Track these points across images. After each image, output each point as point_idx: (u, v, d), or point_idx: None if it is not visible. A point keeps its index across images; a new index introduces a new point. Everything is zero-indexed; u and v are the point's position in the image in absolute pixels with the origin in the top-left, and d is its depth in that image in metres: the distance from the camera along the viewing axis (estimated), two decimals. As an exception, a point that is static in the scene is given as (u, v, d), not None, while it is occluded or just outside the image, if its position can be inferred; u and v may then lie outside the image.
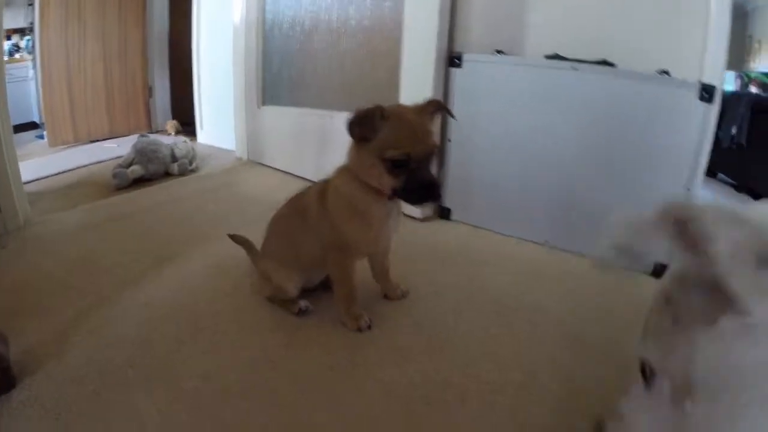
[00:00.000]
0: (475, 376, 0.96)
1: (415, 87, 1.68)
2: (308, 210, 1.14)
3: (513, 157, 1.60)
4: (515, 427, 0.84)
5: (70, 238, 1.61)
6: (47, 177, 2.39)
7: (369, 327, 1.15)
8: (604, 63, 1.53)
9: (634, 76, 1.44)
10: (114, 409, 0.85)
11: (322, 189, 1.13)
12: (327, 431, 0.83)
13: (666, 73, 1.47)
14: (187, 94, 3.26)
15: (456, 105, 1.65)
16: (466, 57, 1.62)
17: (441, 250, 1.54)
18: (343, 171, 1.08)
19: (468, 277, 1.37)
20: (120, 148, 3.02)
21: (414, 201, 1.01)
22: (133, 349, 1.02)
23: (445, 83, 1.67)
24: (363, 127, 0.96)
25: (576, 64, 1.50)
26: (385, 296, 1.28)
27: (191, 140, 2.82)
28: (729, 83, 5.04)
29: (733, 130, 3.66)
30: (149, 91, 3.66)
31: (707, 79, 1.37)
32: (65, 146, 3.17)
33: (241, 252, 1.35)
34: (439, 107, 1.07)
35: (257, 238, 1.29)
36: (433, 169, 1.01)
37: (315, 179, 2.04)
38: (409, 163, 0.95)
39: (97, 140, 3.35)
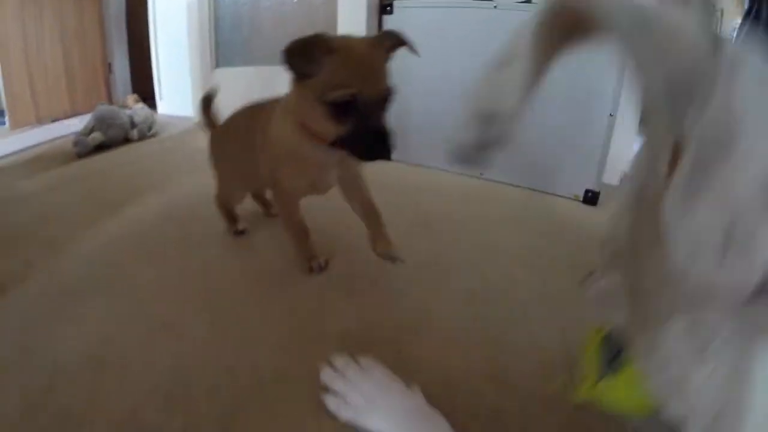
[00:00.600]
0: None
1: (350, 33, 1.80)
2: (254, 133, 1.08)
3: (446, 97, 1.74)
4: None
5: (31, 199, 1.72)
6: (7, 156, 2.46)
7: (321, 268, 1.10)
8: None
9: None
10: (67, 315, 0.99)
11: (268, 118, 1.04)
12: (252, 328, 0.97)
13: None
14: (146, 68, 3.34)
15: (390, 49, 1.78)
16: (396, 3, 1.74)
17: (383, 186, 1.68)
18: (283, 111, 0.98)
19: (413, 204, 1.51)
20: (81, 123, 3.10)
21: (361, 154, 0.86)
22: (92, 267, 1.16)
23: (378, 30, 1.79)
24: (301, 59, 0.83)
25: (497, 2, 1.63)
26: (374, 250, 1.10)
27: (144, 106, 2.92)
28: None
29: None
30: (108, 67, 3.72)
31: None
32: (27, 127, 3.23)
33: (190, 198, 1.49)
34: (397, 42, 0.93)
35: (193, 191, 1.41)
36: (387, 118, 0.85)
37: None
38: (356, 106, 0.81)
39: (59, 119, 3.40)
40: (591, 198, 1.66)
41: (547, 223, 1.50)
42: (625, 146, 1.66)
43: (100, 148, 2.33)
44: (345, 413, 0.72)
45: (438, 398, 0.73)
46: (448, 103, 1.73)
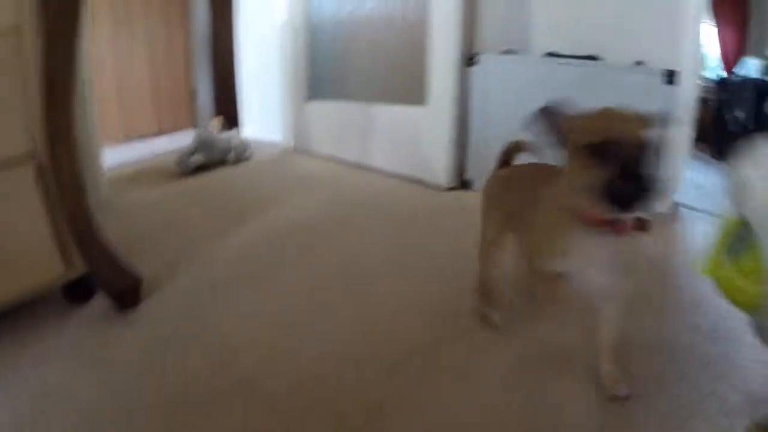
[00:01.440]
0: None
1: (440, 80, 2.14)
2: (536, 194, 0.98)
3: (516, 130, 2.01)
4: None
5: (152, 209, 2.07)
6: (114, 167, 2.81)
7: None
8: (591, 57, 1.95)
9: (613, 67, 1.85)
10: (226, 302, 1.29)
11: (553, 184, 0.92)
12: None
13: (641, 63, 1.89)
14: (229, 93, 3.72)
15: (474, 95, 2.11)
16: (480, 58, 2.04)
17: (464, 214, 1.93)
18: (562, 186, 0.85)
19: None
20: (172, 142, 3.48)
21: (620, 202, 0.74)
22: (233, 267, 1.46)
23: (463, 79, 2.10)
24: (547, 120, 0.85)
25: (567, 60, 1.91)
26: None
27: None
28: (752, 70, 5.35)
29: (740, 115, 3.95)
30: (193, 93, 4.12)
31: (675, 67, 1.78)
32: (115, 143, 3.60)
33: (301, 214, 1.80)
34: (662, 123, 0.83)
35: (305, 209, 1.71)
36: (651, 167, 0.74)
37: (358, 162, 2.50)
38: (613, 150, 0.74)
39: (145, 137, 3.78)
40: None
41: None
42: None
43: (200, 168, 2.67)
44: None
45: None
46: (512, 120, 2.00)
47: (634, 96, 1.83)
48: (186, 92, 4.14)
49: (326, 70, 2.78)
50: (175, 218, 1.93)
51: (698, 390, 0.93)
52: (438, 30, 2.12)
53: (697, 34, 1.95)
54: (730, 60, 6.64)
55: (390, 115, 2.42)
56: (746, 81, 4.12)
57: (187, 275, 1.44)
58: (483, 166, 2.21)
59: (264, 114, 3.47)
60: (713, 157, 4.62)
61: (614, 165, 0.73)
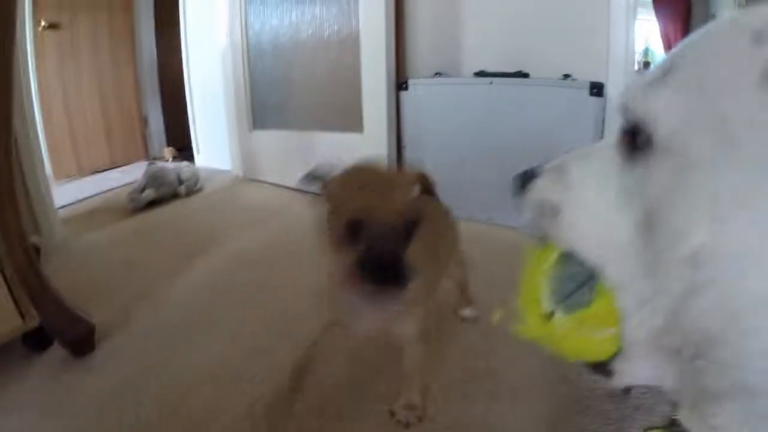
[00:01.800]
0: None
1: (373, 107, 2.27)
2: None
3: (452, 154, 2.15)
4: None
5: (105, 250, 2.14)
6: (65, 206, 2.84)
7: None
8: (520, 74, 2.09)
9: (540, 83, 2.00)
10: (177, 346, 1.38)
11: None
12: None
13: (568, 76, 2.03)
14: (179, 121, 3.80)
15: (407, 118, 2.25)
16: (410, 82, 2.20)
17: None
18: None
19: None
20: (125, 175, 3.53)
21: (367, 280, 0.77)
22: (186, 310, 1.55)
23: (396, 103, 2.23)
24: (312, 185, 0.88)
25: (493, 79, 2.06)
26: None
27: (190, 164, 3.36)
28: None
29: None
30: (144, 121, 4.17)
31: (602, 78, 1.94)
32: (69, 179, 3.63)
33: (253, 248, 1.88)
34: (425, 185, 0.93)
35: (255, 242, 1.80)
36: (402, 248, 0.78)
37: (303, 188, 2.60)
38: (361, 229, 0.77)
39: (99, 171, 3.82)
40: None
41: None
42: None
43: (152, 203, 2.74)
44: None
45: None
46: (456, 156, 2.15)
47: (562, 110, 1.98)
48: (137, 123, 4.19)
49: (269, 99, 2.88)
50: (129, 258, 2.00)
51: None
52: (368, 59, 2.25)
53: (627, 43, 2.10)
54: None
55: (331, 142, 2.54)
56: None
57: (141, 319, 1.51)
58: None
59: (214, 142, 3.55)
60: None
61: (363, 244, 0.77)
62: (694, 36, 0.34)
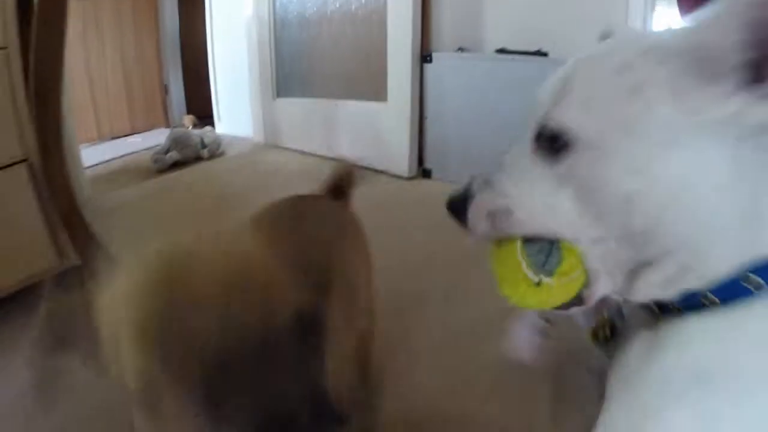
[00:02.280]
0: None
1: (398, 78, 2.35)
2: None
3: (471, 128, 2.23)
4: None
5: (134, 205, 2.24)
6: (90, 167, 2.94)
7: None
8: (539, 53, 2.16)
9: (555, 62, 2.05)
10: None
11: None
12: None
13: None
14: (200, 90, 3.91)
15: (430, 91, 2.33)
16: (435, 55, 2.27)
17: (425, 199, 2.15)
18: None
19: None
20: (146, 140, 3.63)
21: None
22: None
23: (420, 75, 2.31)
24: None
25: (514, 56, 2.13)
26: None
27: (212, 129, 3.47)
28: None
29: None
30: (165, 89, 4.26)
31: None
32: (90, 143, 3.73)
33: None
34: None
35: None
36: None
37: (326, 155, 2.70)
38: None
39: (119, 137, 3.94)
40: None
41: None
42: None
43: (175, 165, 2.84)
44: None
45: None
46: (476, 130, 2.23)
47: None
48: (158, 91, 4.29)
49: (293, 68, 2.98)
50: (157, 213, 2.11)
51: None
52: (394, 31, 2.32)
53: (644, 26, 2.17)
54: None
55: (354, 110, 2.63)
56: None
57: None
58: (441, 156, 2.47)
59: (236, 110, 3.65)
60: None
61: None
62: (580, 60, 0.51)
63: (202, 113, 4.00)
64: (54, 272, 1.40)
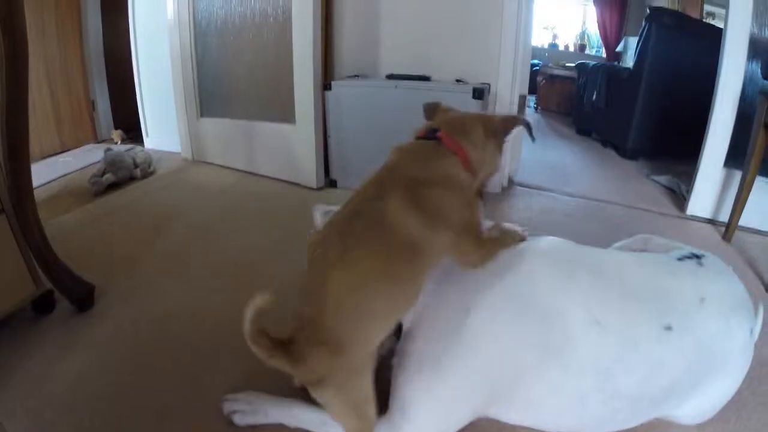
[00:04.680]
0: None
1: (303, 104, 2.94)
2: None
3: (370, 140, 2.85)
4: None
5: (81, 229, 2.57)
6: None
7: None
8: (422, 77, 2.74)
9: (437, 86, 2.64)
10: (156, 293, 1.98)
11: None
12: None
13: (460, 81, 2.68)
14: (126, 104, 4.28)
15: (331, 115, 2.89)
16: (333, 84, 2.82)
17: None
18: None
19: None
20: (77, 160, 3.97)
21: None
22: (156, 269, 2.14)
23: (323, 101, 2.88)
24: None
25: (398, 82, 2.73)
26: None
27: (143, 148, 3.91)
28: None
29: (594, 96, 4.84)
30: (92, 104, 4.57)
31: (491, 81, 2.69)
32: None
33: (209, 218, 2.49)
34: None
35: (203, 212, 2.40)
36: None
37: (247, 170, 3.28)
38: None
39: (49, 155, 4.15)
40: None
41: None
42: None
43: (111, 186, 3.25)
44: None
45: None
46: (371, 143, 2.80)
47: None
48: (85, 105, 4.53)
49: (214, 91, 3.54)
50: (104, 234, 2.48)
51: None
52: (299, 65, 2.90)
53: (516, 51, 2.82)
54: (610, 39, 7.74)
55: (269, 131, 3.20)
56: (599, 66, 4.98)
57: (125, 279, 1.99)
58: (343, 168, 3.09)
59: (163, 126, 4.09)
60: (578, 132, 5.60)
61: None
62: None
63: (131, 126, 4.37)
64: (31, 299, 1.66)
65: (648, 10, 4.31)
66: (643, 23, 4.12)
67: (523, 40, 2.84)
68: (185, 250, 2.31)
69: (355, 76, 2.94)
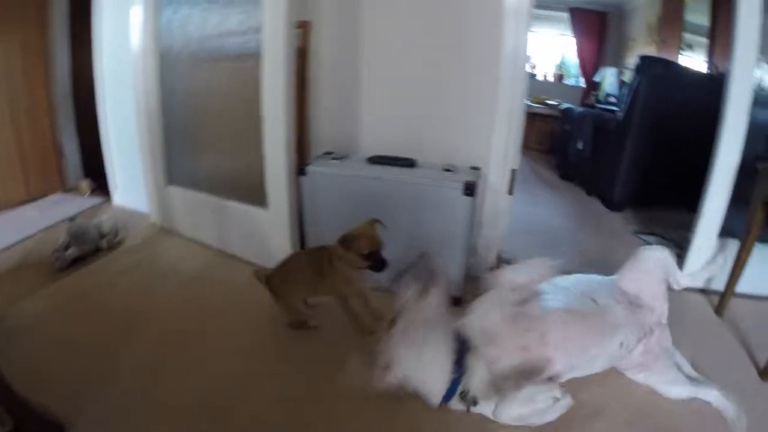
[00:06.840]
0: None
1: (276, 190, 2.89)
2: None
3: (348, 222, 2.70)
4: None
5: (40, 327, 2.45)
6: None
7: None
8: (407, 161, 2.69)
9: (422, 179, 2.60)
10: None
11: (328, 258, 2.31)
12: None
13: (449, 169, 2.63)
14: (97, 149, 4.18)
15: (307, 198, 2.82)
16: (309, 169, 2.75)
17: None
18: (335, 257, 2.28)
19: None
20: (43, 216, 3.91)
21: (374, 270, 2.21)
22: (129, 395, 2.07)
23: (297, 185, 2.83)
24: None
25: (381, 172, 2.67)
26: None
27: (106, 200, 3.98)
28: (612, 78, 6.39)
29: (580, 146, 4.82)
30: (60, 151, 4.49)
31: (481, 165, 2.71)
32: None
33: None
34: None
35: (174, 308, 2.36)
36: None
37: (219, 248, 3.21)
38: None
39: (13, 206, 4.09)
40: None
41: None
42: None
43: (76, 260, 3.19)
44: None
45: None
46: (341, 221, 2.64)
47: (441, 200, 2.54)
48: (53, 152, 4.47)
49: (182, 161, 3.48)
50: (65, 337, 2.36)
51: None
52: (270, 146, 2.83)
53: (510, 129, 2.79)
54: (588, 69, 7.80)
55: (241, 211, 3.15)
56: (585, 114, 4.98)
57: (92, 407, 1.88)
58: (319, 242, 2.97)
59: (132, 183, 4.00)
60: (561, 177, 5.60)
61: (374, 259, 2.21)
62: None
63: (101, 173, 4.25)
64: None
65: (639, 59, 4.36)
66: (633, 75, 4.21)
67: (516, 117, 2.80)
68: (157, 372, 2.15)
69: (330, 153, 2.89)
